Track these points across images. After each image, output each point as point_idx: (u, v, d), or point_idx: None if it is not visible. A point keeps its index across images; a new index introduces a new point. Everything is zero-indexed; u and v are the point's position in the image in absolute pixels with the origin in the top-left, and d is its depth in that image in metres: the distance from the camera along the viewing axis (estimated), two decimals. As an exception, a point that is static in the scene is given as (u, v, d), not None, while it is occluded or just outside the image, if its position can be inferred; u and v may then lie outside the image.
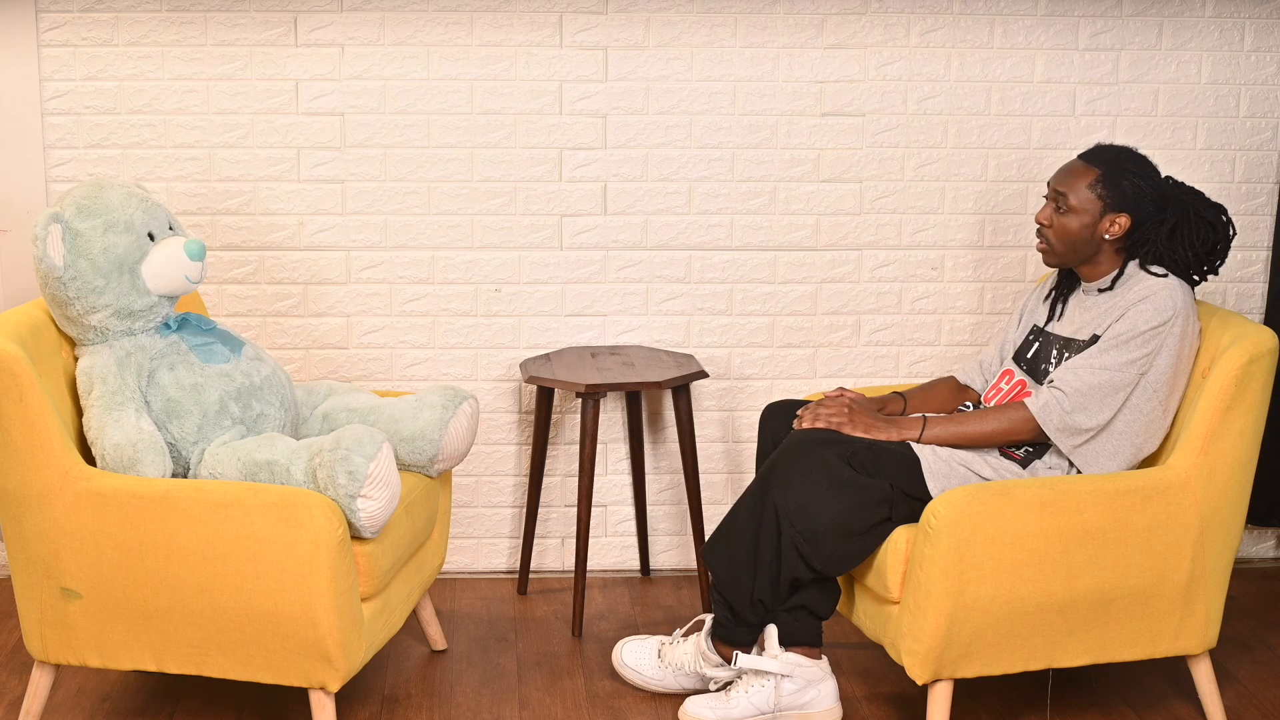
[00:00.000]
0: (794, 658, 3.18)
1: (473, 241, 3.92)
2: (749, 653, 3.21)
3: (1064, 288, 3.32)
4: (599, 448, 4.03)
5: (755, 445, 4.05)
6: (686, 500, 3.97)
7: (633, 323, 3.99)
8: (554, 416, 4.00)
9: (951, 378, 3.52)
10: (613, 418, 4.03)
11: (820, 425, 3.17)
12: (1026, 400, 3.14)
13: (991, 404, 3.30)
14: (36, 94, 3.78)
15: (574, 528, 4.06)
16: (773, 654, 3.18)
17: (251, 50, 3.80)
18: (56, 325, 3.15)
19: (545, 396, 3.82)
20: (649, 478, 4.07)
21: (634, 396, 3.96)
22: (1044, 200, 3.24)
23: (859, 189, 3.96)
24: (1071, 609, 3.02)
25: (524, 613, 3.84)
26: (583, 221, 3.93)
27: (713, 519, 4.07)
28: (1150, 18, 3.93)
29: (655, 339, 4.00)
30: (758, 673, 3.19)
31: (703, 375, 3.72)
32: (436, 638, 3.60)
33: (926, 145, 3.95)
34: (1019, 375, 3.28)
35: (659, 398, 4.03)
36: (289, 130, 3.85)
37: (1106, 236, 3.17)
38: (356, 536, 3.00)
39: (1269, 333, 3.08)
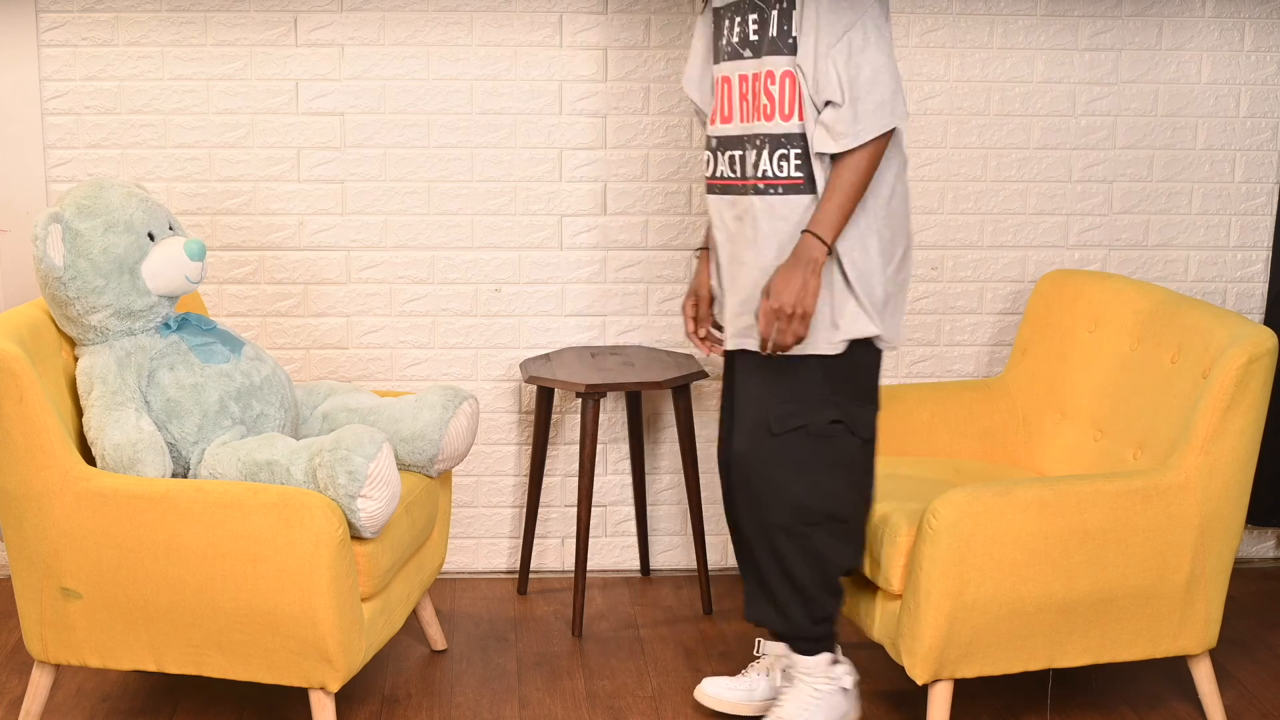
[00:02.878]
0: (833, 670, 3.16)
1: (473, 241, 3.92)
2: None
3: None
4: (599, 448, 4.03)
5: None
6: (686, 500, 3.97)
7: (633, 323, 3.99)
8: (554, 416, 4.00)
9: None
10: (613, 418, 4.03)
11: (789, 339, 2.87)
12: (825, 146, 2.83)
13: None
14: (36, 94, 3.78)
15: (574, 528, 4.06)
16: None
17: (251, 50, 3.81)
18: (56, 325, 3.15)
19: (545, 396, 3.82)
20: (649, 478, 4.07)
21: (634, 396, 3.96)
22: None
23: (859, 189, 3.96)
24: (1072, 609, 3.03)
25: (524, 613, 3.84)
26: (583, 221, 3.93)
27: (712, 519, 4.07)
28: (1150, 18, 3.93)
29: (655, 339, 4.00)
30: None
31: (703, 375, 3.72)
32: (436, 638, 3.60)
33: (926, 145, 3.95)
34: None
35: (659, 398, 4.03)
36: (289, 130, 3.85)
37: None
38: (356, 536, 3.00)
39: (1269, 333, 3.08)
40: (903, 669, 3.32)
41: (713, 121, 3.04)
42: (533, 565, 4.08)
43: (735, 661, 3.54)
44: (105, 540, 2.91)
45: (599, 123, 3.89)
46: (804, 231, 2.85)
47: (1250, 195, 4.05)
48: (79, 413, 3.10)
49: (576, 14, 3.83)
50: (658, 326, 3.99)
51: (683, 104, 3.89)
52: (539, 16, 3.83)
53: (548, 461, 4.03)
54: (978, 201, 3.99)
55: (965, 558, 2.93)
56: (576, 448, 4.02)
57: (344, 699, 3.32)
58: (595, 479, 4.00)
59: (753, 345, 2.98)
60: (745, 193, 2.96)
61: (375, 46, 3.82)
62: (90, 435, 3.03)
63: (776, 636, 3.21)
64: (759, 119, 2.90)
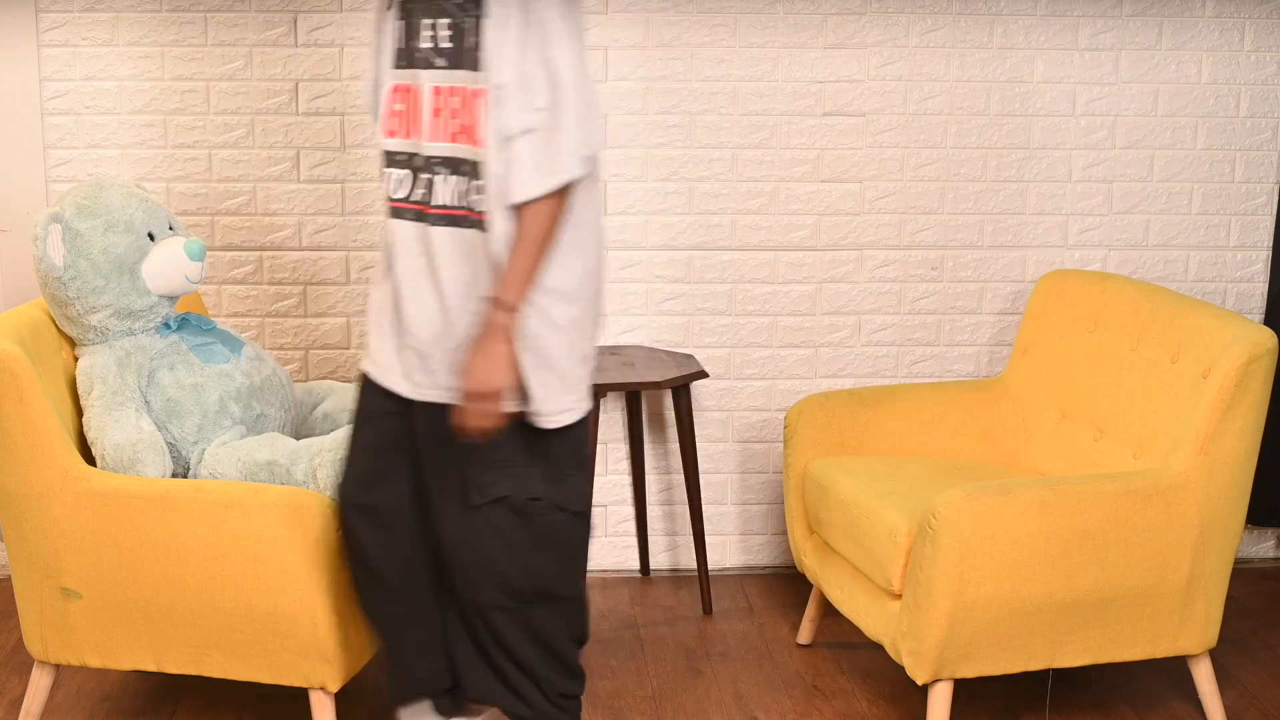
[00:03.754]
0: None
1: (473, 241, 3.92)
2: None
3: None
4: (599, 448, 4.03)
5: (749, 448, 4.06)
6: (686, 500, 3.97)
7: (633, 323, 3.99)
8: (554, 416, 4.00)
9: None
10: (613, 418, 4.03)
11: (486, 422, 2.56)
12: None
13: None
14: (36, 94, 3.78)
15: (574, 528, 4.06)
16: None
17: (251, 50, 3.80)
18: (56, 325, 3.15)
19: (545, 396, 3.82)
20: (649, 478, 4.07)
21: (634, 396, 3.96)
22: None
23: (859, 189, 3.96)
24: (1072, 609, 3.03)
25: (524, 613, 3.84)
26: (583, 221, 3.93)
27: (713, 519, 4.07)
28: (1150, 18, 3.93)
29: (655, 339, 4.00)
30: None
31: (703, 375, 3.72)
32: (436, 638, 3.60)
33: (926, 145, 3.95)
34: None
35: (659, 398, 4.03)
36: (289, 130, 3.85)
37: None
38: (356, 536, 3.00)
39: (1269, 333, 3.08)
40: (903, 669, 3.32)
41: (397, 134, 2.61)
42: (533, 565, 4.08)
43: (735, 661, 3.55)
44: (105, 540, 2.91)
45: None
46: (489, 298, 2.51)
47: (1250, 195, 4.05)
48: (79, 413, 3.10)
49: (576, 14, 3.83)
50: (658, 326, 3.99)
51: (682, 104, 3.89)
52: (539, 16, 3.83)
53: (548, 461, 4.03)
54: (978, 201, 3.99)
55: (965, 558, 2.93)
56: (576, 448, 4.02)
57: (344, 699, 3.32)
58: (595, 479, 4.00)
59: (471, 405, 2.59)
60: (451, 225, 2.56)
61: (375, 46, 3.82)
62: (90, 435, 3.03)
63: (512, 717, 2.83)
64: (464, 141, 2.52)
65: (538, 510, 2.65)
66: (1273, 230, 4.06)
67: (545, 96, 2.44)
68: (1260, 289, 4.09)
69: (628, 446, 4.05)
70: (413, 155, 2.59)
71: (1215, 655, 3.54)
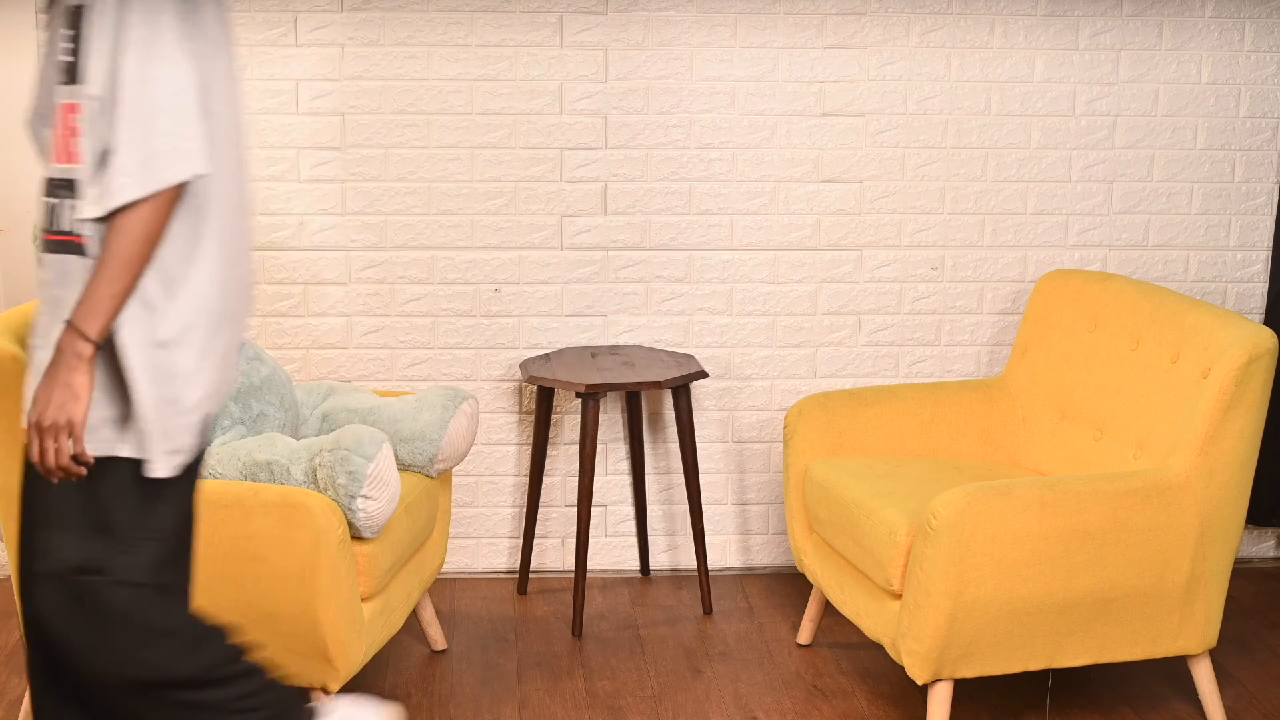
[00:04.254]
0: None
1: (473, 241, 3.92)
2: None
3: None
4: (599, 448, 4.03)
5: (749, 448, 4.06)
6: (686, 500, 3.97)
7: (633, 323, 3.99)
8: (554, 416, 4.00)
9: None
10: (613, 418, 4.03)
11: (63, 460, 2.20)
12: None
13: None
14: (36, 94, 3.78)
15: (574, 528, 4.06)
16: None
17: (251, 50, 3.80)
18: (56, 325, 3.14)
19: (545, 396, 3.82)
20: (649, 478, 4.07)
21: (634, 396, 3.96)
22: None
23: (859, 189, 3.96)
24: (1072, 609, 3.03)
25: (524, 613, 3.84)
26: (583, 221, 3.93)
27: (712, 519, 4.07)
28: (1150, 18, 3.93)
29: (655, 339, 4.00)
30: None
31: (703, 375, 3.72)
32: (436, 638, 3.60)
33: (926, 145, 3.95)
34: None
35: (659, 398, 4.03)
36: (289, 130, 3.85)
37: None
38: (356, 536, 3.00)
39: (1269, 333, 3.08)
40: (903, 669, 3.32)
41: (52, 159, 2.32)
42: (533, 565, 4.08)
43: (735, 661, 3.55)
44: (105, 540, 2.91)
45: (599, 123, 3.89)
46: (66, 322, 2.20)
47: (1250, 195, 4.05)
48: (79, 413, 3.10)
49: (576, 14, 3.83)
50: (657, 326, 3.99)
51: (683, 104, 3.89)
52: (539, 16, 3.83)
53: (548, 461, 4.03)
54: (978, 201, 3.99)
55: (965, 558, 2.93)
56: (576, 448, 4.02)
57: (344, 699, 3.32)
58: (595, 479, 4.00)
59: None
60: (60, 252, 2.28)
61: (375, 46, 3.82)
62: (90, 435, 3.02)
63: None
64: (76, 161, 2.26)
65: (89, 584, 2.27)
66: (1273, 230, 4.06)
67: (115, 111, 2.21)
68: (1260, 289, 4.09)
69: (628, 446, 4.05)
70: (51, 180, 2.31)
71: (1215, 655, 3.54)
